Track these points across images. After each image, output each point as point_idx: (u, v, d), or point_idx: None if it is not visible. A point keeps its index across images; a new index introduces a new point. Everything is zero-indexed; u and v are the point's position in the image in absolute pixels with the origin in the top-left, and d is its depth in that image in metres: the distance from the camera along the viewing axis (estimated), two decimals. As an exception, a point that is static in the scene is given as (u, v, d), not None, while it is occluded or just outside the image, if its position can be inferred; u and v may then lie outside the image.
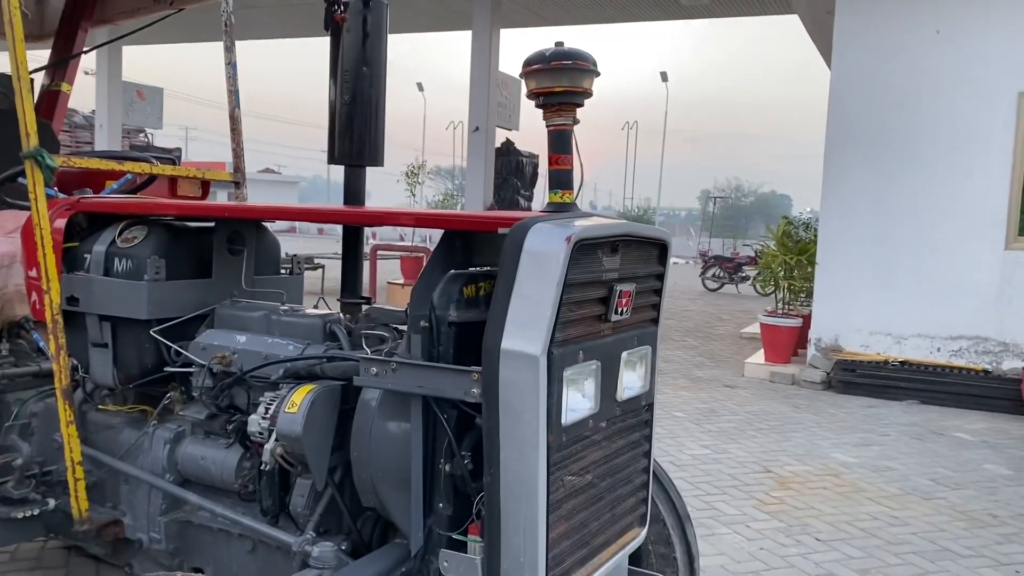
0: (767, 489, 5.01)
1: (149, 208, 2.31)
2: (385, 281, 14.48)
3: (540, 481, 1.60)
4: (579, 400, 1.75)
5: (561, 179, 1.89)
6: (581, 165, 1.94)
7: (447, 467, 1.75)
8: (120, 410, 2.36)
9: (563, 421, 1.67)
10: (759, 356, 9.18)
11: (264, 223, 2.52)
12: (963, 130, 7.96)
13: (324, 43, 2.38)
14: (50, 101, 3.46)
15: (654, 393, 2.11)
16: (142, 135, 19.54)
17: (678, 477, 5.10)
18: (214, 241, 2.32)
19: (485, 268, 1.86)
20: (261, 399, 1.95)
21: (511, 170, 16.34)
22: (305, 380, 1.98)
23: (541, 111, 1.91)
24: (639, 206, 58.64)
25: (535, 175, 17.29)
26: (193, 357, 2.13)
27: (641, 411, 2.05)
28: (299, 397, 1.85)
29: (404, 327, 1.94)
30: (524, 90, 1.93)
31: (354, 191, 2.33)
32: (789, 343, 8.94)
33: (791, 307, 9.33)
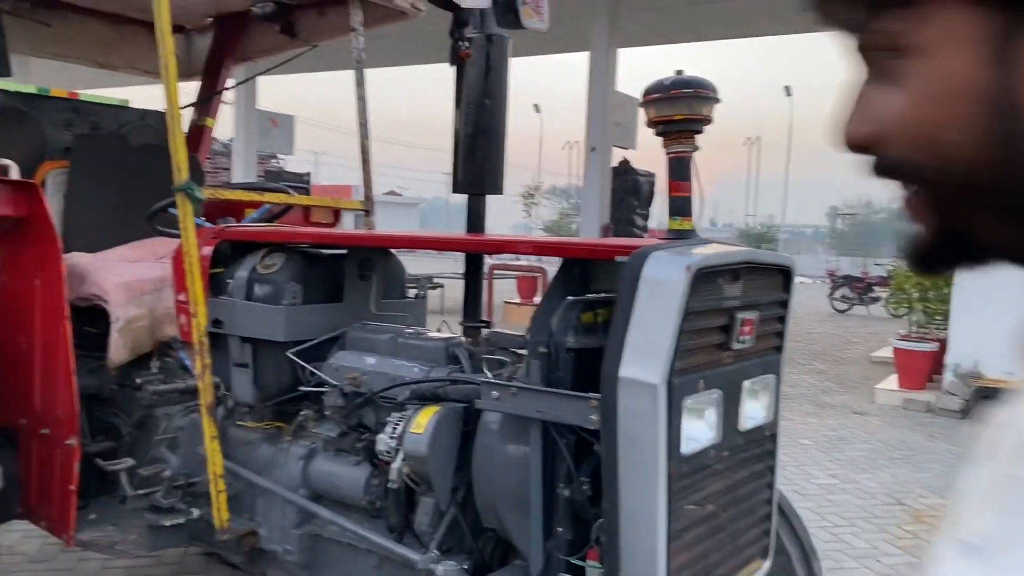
0: (900, 522, 4.77)
1: (287, 237, 2.45)
2: (502, 300, 14.67)
3: (660, 510, 1.60)
4: (700, 429, 1.73)
5: (680, 206, 1.90)
6: (701, 190, 1.93)
7: (566, 491, 1.77)
8: (258, 426, 2.51)
9: (683, 451, 1.66)
10: (891, 382, 8.75)
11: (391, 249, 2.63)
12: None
13: (444, 69, 2.48)
14: (196, 135, 3.72)
15: (778, 423, 2.07)
16: (274, 160, 20.59)
17: (803, 507, 4.93)
18: (345, 268, 2.44)
19: (603, 295, 1.88)
20: (388, 419, 2.03)
21: (628, 190, 16.18)
22: (430, 401, 2.05)
23: (663, 141, 1.92)
24: (762, 223, 57.02)
25: (652, 194, 17.07)
26: (326, 377, 2.24)
27: (764, 441, 2.01)
28: (424, 418, 1.92)
29: (523, 351, 1.99)
30: (642, 112, 1.95)
31: (475, 218, 2.40)
32: (924, 368, 8.48)
33: (926, 330, 8.86)
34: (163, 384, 2.82)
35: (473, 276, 2.38)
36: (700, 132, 1.82)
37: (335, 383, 2.19)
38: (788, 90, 43.62)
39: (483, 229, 2.43)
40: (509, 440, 1.88)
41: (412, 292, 2.76)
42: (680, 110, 1.78)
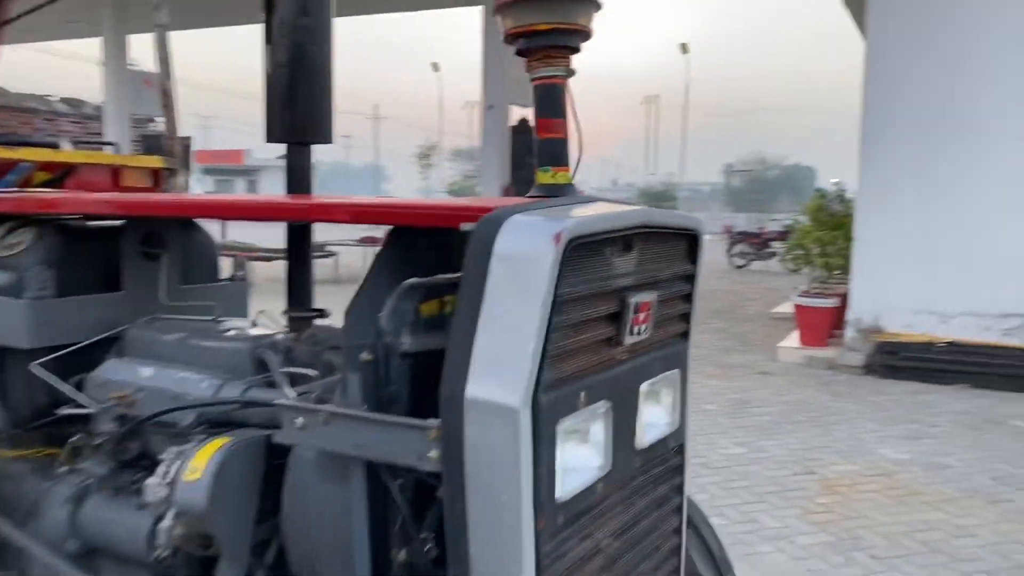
0: (812, 495, 4.51)
1: (34, 205, 1.83)
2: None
3: (525, 582, 1.12)
4: (583, 458, 1.26)
5: (552, 151, 1.40)
6: (579, 132, 1.44)
7: (402, 554, 1.28)
8: (20, 455, 1.91)
9: (559, 494, 1.18)
10: (793, 339, 8.62)
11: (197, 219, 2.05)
12: (1015, 92, 7.31)
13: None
14: None
15: (686, 429, 1.62)
16: (151, 124, 19.19)
17: (711, 482, 4.61)
18: (122, 245, 1.84)
19: (451, 276, 1.37)
20: (164, 455, 1.48)
21: (527, 149, 15.73)
22: (222, 429, 1.50)
23: (527, 63, 1.41)
24: (662, 182, 57.77)
25: (553, 153, 16.70)
26: (82, 398, 1.66)
27: (669, 456, 1.56)
28: (203, 459, 1.38)
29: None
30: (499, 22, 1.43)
31: (298, 176, 1.85)
32: (825, 325, 8.37)
33: (827, 286, 8.75)
34: None
35: (298, 250, 1.83)
36: (577, 50, 1.30)
37: (98, 404, 1.62)
38: (685, 47, 43.85)
39: (309, 188, 1.88)
40: (331, 479, 1.36)
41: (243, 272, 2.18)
42: (547, 18, 1.26)
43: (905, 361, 7.55)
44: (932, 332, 7.72)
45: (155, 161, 2.44)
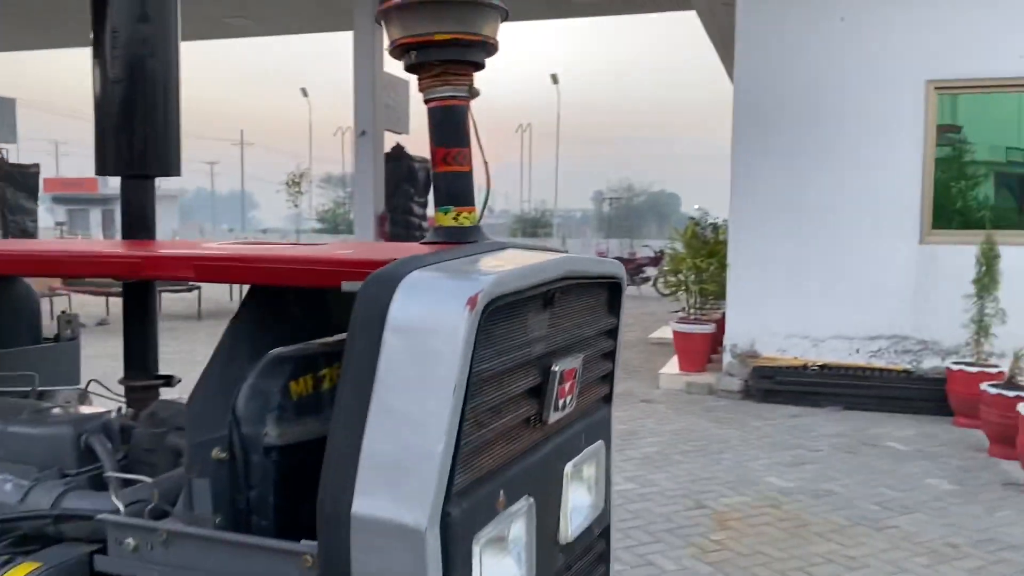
0: (705, 531, 4.40)
1: None
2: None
3: None
4: (501, 572, 1.00)
5: (453, 187, 1.15)
6: (486, 164, 1.20)
7: None
8: None
9: (476, 627, 0.92)
10: (673, 365, 8.66)
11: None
12: (873, 121, 7.64)
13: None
14: None
15: (610, 506, 1.39)
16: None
17: (605, 523, 4.43)
18: None
19: (331, 340, 1.10)
20: None
21: (403, 176, 15.50)
22: (32, 545, 1.16)
23: (415, 80, 1.16)
24: (536, 208, 58.59)
25: (429, 180, 16.49)
26: None
27: (595, 543, 1.32)
28: None
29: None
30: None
31: (138, 214, 1.52)
32: (703, 350, 8.46)
33: (702, 311, 8.86)
34: None
35: (138, 308, 1.50)
36: (481, 66, 1.06)
37: None
38: (555, 78, 44.76)
39: (152, 230, 1.55)
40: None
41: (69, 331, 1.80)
42: (445, 27, 1.01)
43: (781, 385, 7.68)
44: (805, 356, 7.92)
45: None
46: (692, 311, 8.89)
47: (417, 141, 15.88)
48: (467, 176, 1.14)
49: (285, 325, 1.06)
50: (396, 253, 0.98)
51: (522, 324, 1.01)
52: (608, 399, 1.38)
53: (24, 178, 17.06)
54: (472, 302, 0.84)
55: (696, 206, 9.90)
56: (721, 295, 8.61)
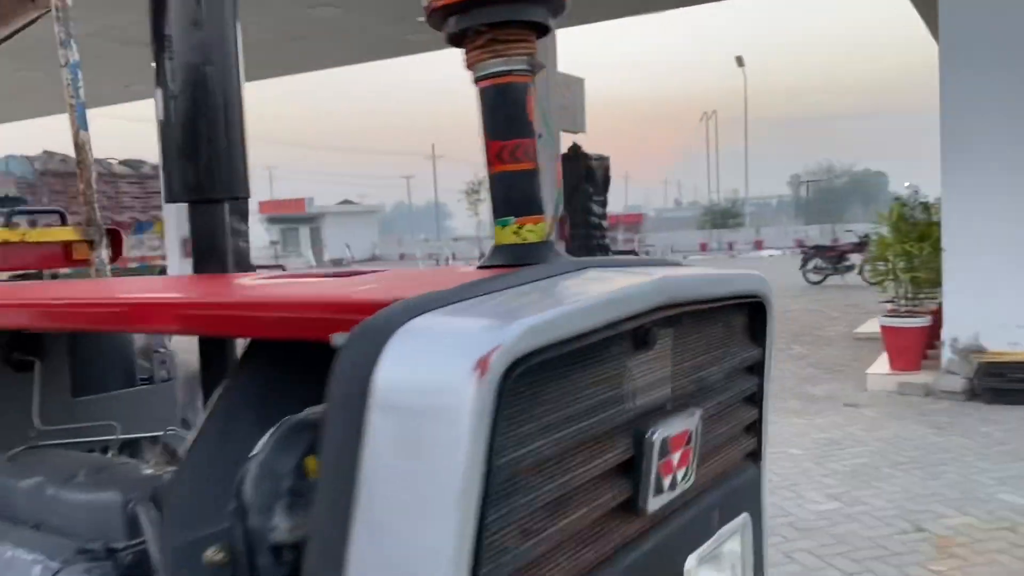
0: (924, 559, 3.80)
1: None
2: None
3: None
4: None
5: (513, 191, 0.87)
6: (558, 162, 0.89)
7: None
8: None
9: None
10: (882, 363, 7.82)
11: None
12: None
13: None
14: None
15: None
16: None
17: (801, 549, 3.94)
18: None
19: None
20: None
21: (580, 176, 15.29)
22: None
23: (464, 56, 0.89)
24: (727, 198, 56.61)
25: (607, 179, 16.20)
26: None
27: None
28: None
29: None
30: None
31: (207, 244, 1.36)
32: (917, 346, 7.56)
33: (916, 303, 7.93)
34: None
35: (216, 358, 1.32)
36: (546, 30, 0.76)
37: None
38: (740, 60, 42.96)
39: (224, 262, 1.39)
40: None
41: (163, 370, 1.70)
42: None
43: (1012, 383, 6.70)
44: (1043, 348, 6.86)
45: (65, 234, 1.98)
46: (903, 302, 7.99)
47: (592, 138, 15.68)
48: (531, 176, 0.86)
49: (299, 387, 0.82)
50: (428, 286, 0.72)
51: (590, 380, 0.72)
52: (756, 455, 1.04)
53: (235, 202, 18.58)
54: (483, 365, 0.57)
55: (907, 184, 8.92)
56: (936, 283, 7.65)
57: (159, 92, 1.36)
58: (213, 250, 1.38)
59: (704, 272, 0.90)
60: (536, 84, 0.90)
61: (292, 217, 46.17)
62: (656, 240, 40.55)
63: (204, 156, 1.34)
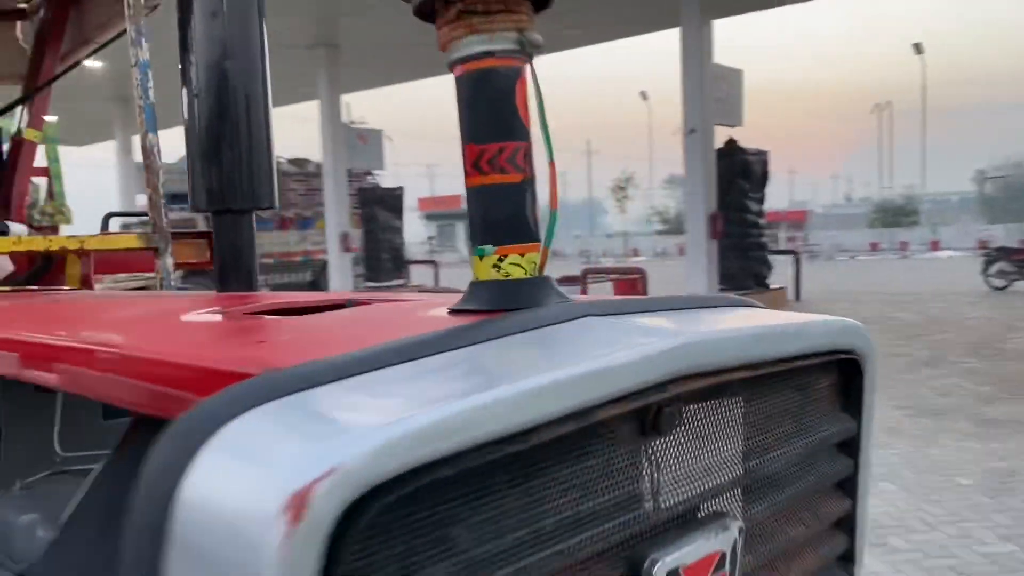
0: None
1: None
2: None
3: None
4: None
5: (496, 211, 0.65)
6: (553, 166, 0.67)
7: None
8: None
9: None
10: (1076, 384, 6.91)
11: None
12: None
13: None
14: (14, 152, 2.67)
15: None
16: (369, 176, 20.10)
17: (966, 601, 3.45)
18: None
19: None
20: None
21: (736, 172, 14.64)
22: None
23: (437, 34, 0.68)
24: (901, 194, 53.06)
25: (765, 174, 15.42)
26: None
27: None
28: None
29: None
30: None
31: (233, 257, 1.23)
32: (1121, 365, 6.62)
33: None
34: None
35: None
36: (547, 2, 0.54)
37: None
38: (918, 48, 40.03)
39: (252, 279, 1.26)
40: None
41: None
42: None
43: None
44: None
45: (128, 241, 1.91)
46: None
47: (751, 132, 14.97)
48: (518, 191, 0.63)
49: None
50: (354, 341, 0.52)
51: (540, 495, 0.49)
52: (849, 559, 0.77)
53: (391, 200, 19.22)
54: (297, 503, 0.36)
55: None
56: None
57: (184, 92, 1.25)
58: (238, 266, 1.24)
59: (764, 324, 0.64)
60: (530, 69, 0.68)
61: (449, 214, 47.43)
62: (821, 239, 38.44)
63: (226, 161, 1.22)
